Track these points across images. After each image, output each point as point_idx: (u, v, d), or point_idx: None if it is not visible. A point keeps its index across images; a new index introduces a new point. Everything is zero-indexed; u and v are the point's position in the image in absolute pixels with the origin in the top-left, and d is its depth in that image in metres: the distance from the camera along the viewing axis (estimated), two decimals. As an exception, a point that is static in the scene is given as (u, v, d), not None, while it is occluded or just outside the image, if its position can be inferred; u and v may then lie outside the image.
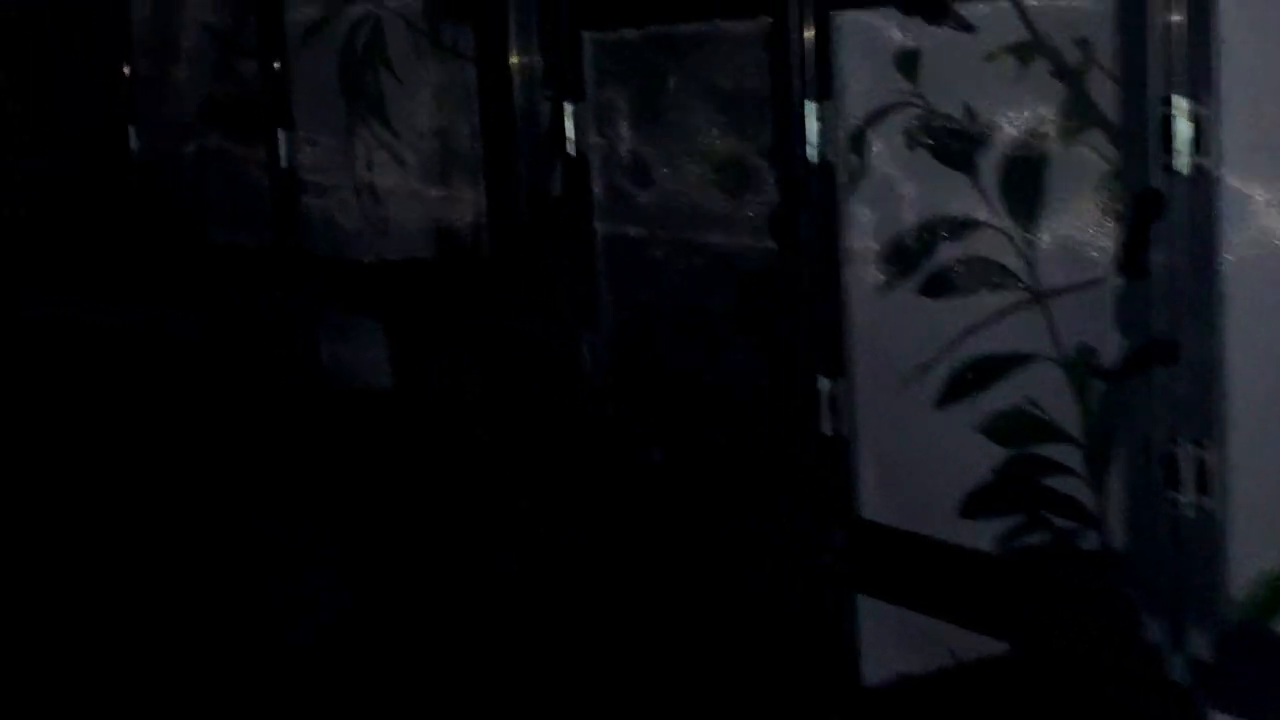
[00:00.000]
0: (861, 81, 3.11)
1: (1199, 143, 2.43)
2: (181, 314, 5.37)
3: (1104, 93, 2.72)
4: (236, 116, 5.16)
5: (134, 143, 5.59)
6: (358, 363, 4.72)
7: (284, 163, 4.77)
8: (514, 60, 3.87)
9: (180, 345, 5.35)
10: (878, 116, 3.10)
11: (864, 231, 3.13)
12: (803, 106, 3.13)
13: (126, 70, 5.66)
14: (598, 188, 3.78)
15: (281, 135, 4.77)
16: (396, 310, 4.52)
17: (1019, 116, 2.96)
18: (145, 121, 5.62)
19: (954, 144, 3.02)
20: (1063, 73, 2.90)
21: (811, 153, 3.13)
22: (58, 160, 6.20)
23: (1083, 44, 2.83)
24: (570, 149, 3.77)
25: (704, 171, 3.51)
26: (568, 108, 3.75)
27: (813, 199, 3.14)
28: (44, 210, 6.26)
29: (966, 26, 3.00)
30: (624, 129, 3.72)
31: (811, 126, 3.12)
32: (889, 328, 3.12)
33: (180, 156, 5.50)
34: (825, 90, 3.11)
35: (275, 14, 4.76)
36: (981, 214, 3.01)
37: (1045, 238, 2.95)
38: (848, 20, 3.10)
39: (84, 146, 6.03)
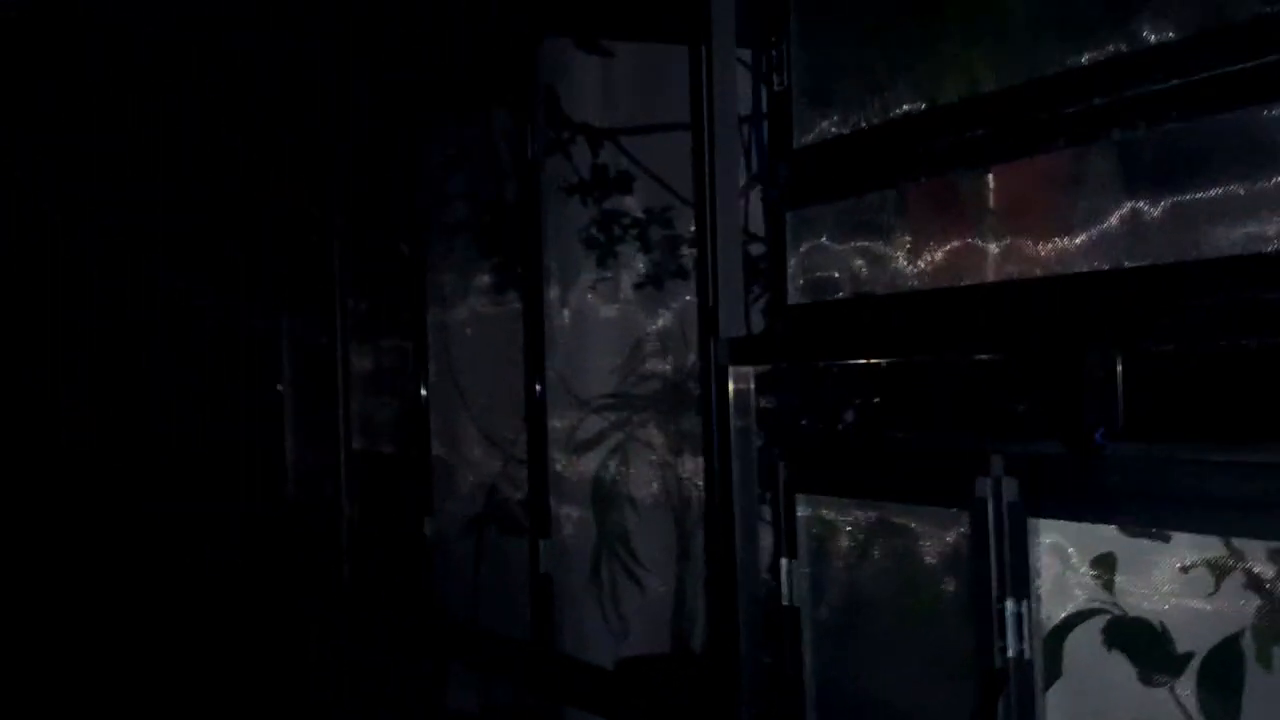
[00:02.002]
0: (1059, 581, 2.60)
1: None
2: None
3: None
4: (510, 521, 4.88)
5: (429, 531, 5.32)
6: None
7: (543, 568, 4.42)
8: (737, 513, 3.46)
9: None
10: (1074, 618, 2.58)
11: (1061, 730, 2.58)
12: (1003, 603, 2.62)
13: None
14: (809, 632, 3.30)
15: (543, 545, 4.42)
16: (632, 712, 4.05)
17: (1212, 629, 2.42)
18: (440, 513, 5.37)
19: (1149, 651, 2.49)
20: (1258, 585, 2.37)
21: (1010, 648, 2.61)
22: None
23: (1276, 556, 2.32)
24: (784, 600, 3.31)
25: (906, 641, 3.01)
26: (783, 563, 3.30)
27: (1010, 693, 2.61)
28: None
29: (1163, 538, 2.49)
30: (831, 587, 3.26)
31: (1010, 623, 2.61)
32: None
33: (464, 545, 5.22)
34: (1023, 589, 2.60)
35: (541, 443, 4.46)
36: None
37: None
38: (1045, 524, 2.60)
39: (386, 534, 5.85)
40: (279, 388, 7.33)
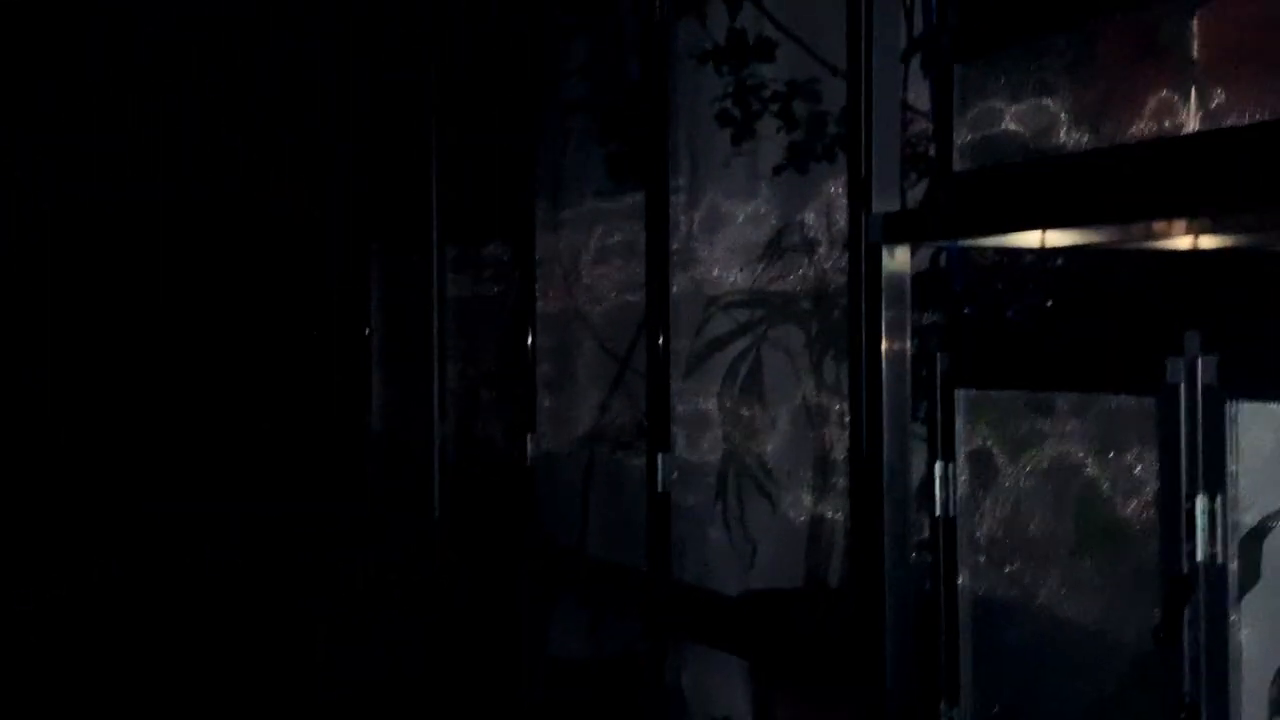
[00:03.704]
0: (1261, 476, 2.58)
1: None
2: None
3: None
4: (625, 435, 4.94)
5: (531, 451, 5.40)
6: (719, 698, 4.33)
7: (661, 487, 4.46)
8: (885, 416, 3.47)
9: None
10: (1275, 517, 2.56)
11: (1254, 644, 2.57)
12: (1193, 500, 2.61)
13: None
14: (965, 548, 3.31)
15: (661, 460, 4.46)
16: (759, 648, 4.10)
17: None
18: (544, 431, 5.44)
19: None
20: None
21: (1200, 551, 2.60)
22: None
23: None
24: (938, 509, 3.31)
25: (1081, 552, 3.01)
26: (938, 467, 3.30)
27: (1199, 601, 2.60)
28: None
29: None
30: (995, 491, 3.26)
31: (1201, 523, 2.60)
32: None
33: (571, 467, 5.30)
34: (1217, 484, 2.59)
35: (664, 348, 4.51)
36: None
37: None
38: (1246, 409, 2.59)
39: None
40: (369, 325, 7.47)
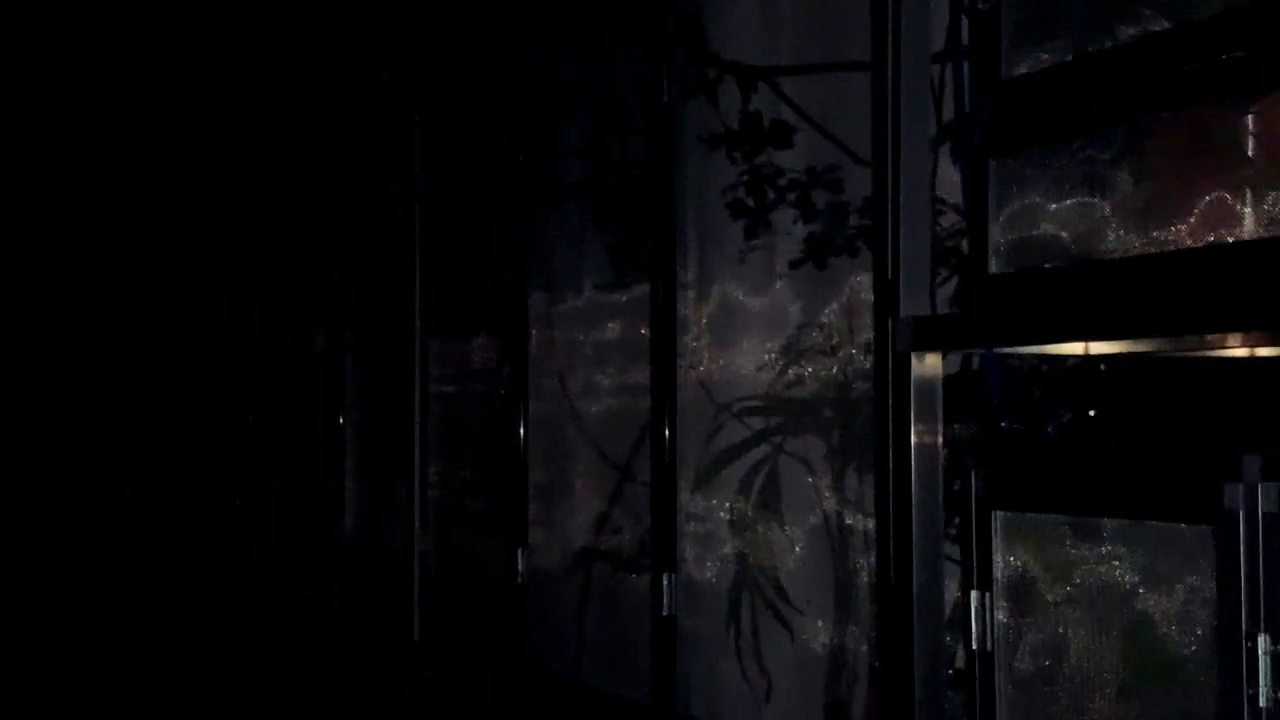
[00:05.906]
0: None
1: None
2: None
3: None
4: (625, 554, 4.97)
5: (522, 567, 5.44)
6: None
7: (667, 609, 4.50)
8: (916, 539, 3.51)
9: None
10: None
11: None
12: (1254, 640, 2.65)
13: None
14: (1003, 684, 3.34)
15: (667, 581, 4.50)
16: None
17: None
18: (536, 546, 5.48)
19: None
20: None
21: (1262, 696, 2.63)
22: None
23: None
24: (974, 642, 3.34)
25: (1131, 691, 3.05)
26: (974, 597, 3.34)
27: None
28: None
29: None
30: (1035, 622, 3.29)
31: (1264, 665, 2.64)
32: None
33: (566, 586, 5.32)
34: (1281, 622, 2.63)
35: (670, 457, 4.55)
36: None
37: None
38: None
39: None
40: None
